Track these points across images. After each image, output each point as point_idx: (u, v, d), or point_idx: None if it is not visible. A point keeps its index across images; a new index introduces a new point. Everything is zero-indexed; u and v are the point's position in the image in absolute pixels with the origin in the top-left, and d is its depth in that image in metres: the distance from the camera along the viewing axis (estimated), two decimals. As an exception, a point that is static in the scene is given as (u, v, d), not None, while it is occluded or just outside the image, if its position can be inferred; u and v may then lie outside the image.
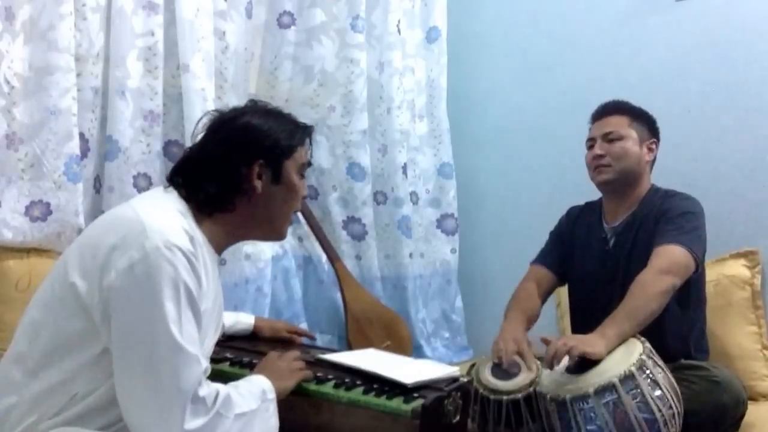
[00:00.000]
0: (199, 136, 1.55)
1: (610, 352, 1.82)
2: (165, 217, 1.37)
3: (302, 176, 1.59)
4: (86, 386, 1.32)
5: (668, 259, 1.98)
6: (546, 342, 1.89)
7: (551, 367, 1.83)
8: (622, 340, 1.86)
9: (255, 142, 1.50)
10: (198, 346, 1.32)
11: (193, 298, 1.32)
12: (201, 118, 1.57)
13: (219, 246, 1.52)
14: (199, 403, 1.29)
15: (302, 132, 1.58)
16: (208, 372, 1.36)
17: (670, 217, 2.07)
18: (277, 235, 1.63)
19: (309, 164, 1.63)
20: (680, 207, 2.10)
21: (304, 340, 2.04)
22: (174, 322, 1.27)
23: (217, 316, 1.56)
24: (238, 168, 1.48)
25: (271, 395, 1.47)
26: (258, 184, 1.49)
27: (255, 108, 1.58)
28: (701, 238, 2.06)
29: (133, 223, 1.33)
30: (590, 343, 1.82)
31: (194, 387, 1.28)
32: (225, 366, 1.72)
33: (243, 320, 1.98)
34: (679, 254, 1.98)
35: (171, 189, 1.50)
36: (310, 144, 1.61)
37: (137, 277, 1.27)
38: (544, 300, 2.29)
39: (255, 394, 1.44)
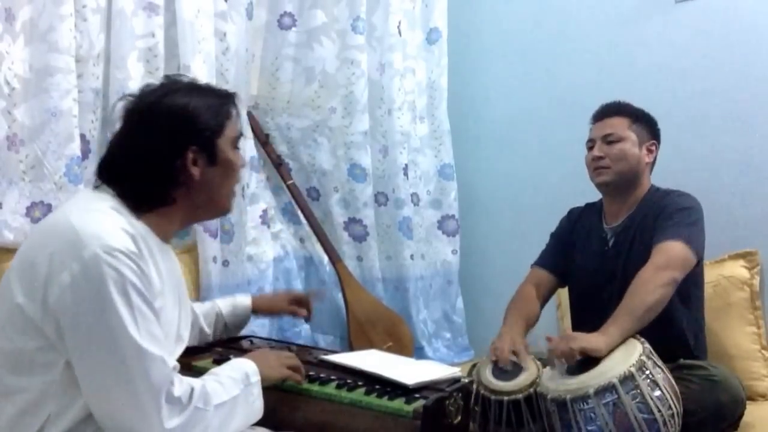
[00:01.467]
0: (118, 124, 1.45)
1: (611, 350, 1.82)
2: (99, 220, 1.30)
3: (237, 148, 1.52)
4: (58, 405, 1.27)
5: (667, 255, 1.98)
6: (549, 340, 1.90)
7: (553, 364, 1.84)
8: (624, 338, 1.86)
9: (183, 128, 1.42)
10: (161, 344, 1.29)
11: (146, 297, 1.28)
12: (115, 104, 1.48)
13: (166, 235, 1.47)
14: (174, 402, 1.27)
15: (228, 104, 1.50)
16: (177, 369, 1.33)
17: (668, 213, 2.08)
18: (223, 212, 1.57)
19: (242, 134, 1.56)
20: (677, 203, 2.11)
21: (304, 338, 2.03)
22: (132, 327, 1.24)
23: (182, 307, 1.52)
24: (172, 161, 1.40)
25: (255, 378, 1.45)
26: (195, 171, 1.42)
27: (174, 86, 1.47)
28: (700, 233, 2.07)
29: (66, 232, 1.27)
30: (591, 340, 1.83)
31: (166, 386, 1.26)
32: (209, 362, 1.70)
33: (240, 304, 1.93)
34: (678, 249, 1.99)
35: (103, 186, 1.42)
36: (238, 114, 1.54)
37: (82, 291, 1.23)
38: (544, 303, 2.30)
39: (236, 378, 1.42)
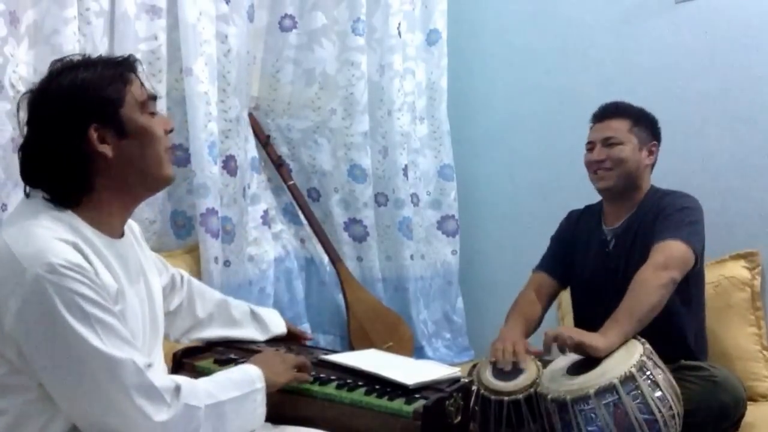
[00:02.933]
0: (25, 129, 1.35)
1: (612, 352, 1.82)
2: (35, 236, 1.23)
3: (151, 113, 1.40)
4: (40, 422, 1.26)
5: (666, 254, 1.98)
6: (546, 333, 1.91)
7: (548, 353, 1.85)
8: (624, 340, 1.86)
9: (76, 107, 1.31)
10: (130, 346, 1.26)
11: (101, 304, 1.23)
12: (18, 106, 1.37)
13: (114, 227, 1.39)
14: (156, 397, 1.24)
15: (122, 69, 1.38)
16: (158, 365, 1.31)
17: (668, 213, 2.08)
18: (161, 181, 1.45)
19: (153, 97, 1.43)
20: (677, 203, 2.11)
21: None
22: (93, 338, 1.20)
23: (150, 297, 1.48)
24: (74, 144, 1.30)
25: (260, 384, 1.42)
26: (106, 148, 1.32)
27: (60, 69, 1.35)
28: (699, 232, 2.07)
29: (5, 258, 1.21)
30: (590, 337, 1.84)
31: (143, 385, 1.23)
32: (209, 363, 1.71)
33: (275, 323, 1.93)
34: (677, 248, 1.99)
35: (34, 193, 1.34)
36: (139, 78, 1.41)
37: (33, 315, 1.19)
38: (546, 307, 2.30)
39: (237, 381, 1.40)
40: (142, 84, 1.41)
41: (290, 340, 1.95)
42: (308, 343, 2.05)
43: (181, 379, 1.32)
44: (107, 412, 1.23)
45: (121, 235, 1.43)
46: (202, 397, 1.31)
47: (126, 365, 1.23)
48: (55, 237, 1.24)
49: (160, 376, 1.29)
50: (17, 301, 1.19)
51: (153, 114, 1.41)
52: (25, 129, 1.35)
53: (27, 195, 1.35)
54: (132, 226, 1.53)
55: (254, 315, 1.91)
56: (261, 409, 1.43)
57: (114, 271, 1.34)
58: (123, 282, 1.36)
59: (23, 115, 1.35)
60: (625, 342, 1.86)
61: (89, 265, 1.25)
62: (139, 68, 1.43)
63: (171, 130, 1.47)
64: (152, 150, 1.39)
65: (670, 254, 1.98)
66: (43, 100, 1.33)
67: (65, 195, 1.32)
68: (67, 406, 1.25)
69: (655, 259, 1.98)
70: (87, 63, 1.37)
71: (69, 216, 1.31)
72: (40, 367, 1.22)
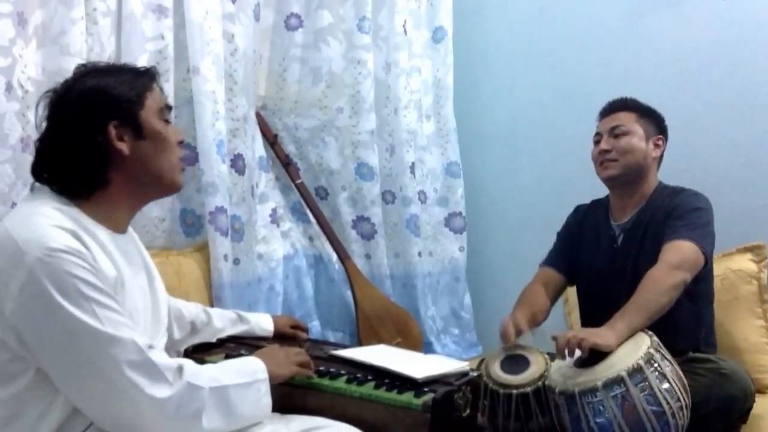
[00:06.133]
0: (43, 124, 1.42)
1: (620, 344, 1.83)
2: (36, 223, 1.28)
3: (167, 121, 1.48)
4: (39, 409, 1.28)
5: (679, 255, 1.98)
6: (555, 338, 1.90)
7: (564, 357, 1.85)
8: (633, 333, 1.87)
9: (99, 104, 1.38)
10: (130, 327, 1.28)
11: (99, 287, 1.26)
12: (37, 105, 1.44)
13: (119, 223, 1.44)
14: (156, 373, 1.27)
15: (144, 77, 1.47)
16: (155, 348, 1.32)
17: (680, 213, 2.08)
18: (172, 188, 1.51)
19: (169, 108, 1.51)
20: (690, 203, 2.11)
21: (315, 334, 2.05)
22: (92, 319, 1.23)
23: (154, 294, 1.52)
24: (93, 138, 1.37)
25: (263, 375, 1.44)
26: (123, 146, 1.39)
27: (85, 71, 1.44)
28: (711, 234, 2.07)
29: (6, 243, 1.25)
30: (601, 335, 1.84)
31: (143, 363, 1.25)
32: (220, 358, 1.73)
33: (265, 328, 1.98)
34: (689, 250, 1.99)
35: (41, 187, 1.40)
36: (160, 88, 1.50)
37: (33, 297, 1.22)
38: (553, 301, 2.31)
39: (241, 370, 1.43)
40: (161, 93, 1.50)
41: (288, 339, 1.97)
42: (317, 338, 2.07)
43: (184, 360, 1.35)
44: (109, 392, 1.25)
45: (124, 232, 1.48)
46: (206, 379, 1.34)
47: (125, 343, 1.25)
48: (54, 224, 1.28)
49: (163, 355, 1.32)
50: (17, 284, 1.22)
51: (168, 122, 1.49)
52: (44, 125, 1.41)
53: (32, 190, 1.42)
54: (135, 237, 1.57)
55: (240, 321, 1.94)
56: (266, 399, 1.44)
57: (114, 260, 1.37)
58: (123, 272, 1.39)
59: (42, 112, 1.41)
60: (632, 334, 1.86)
61: (87, 251, 1.29)
62: (159, 79, 1.51)
63: (182, 142, 1.54)
64: (166, 155, 1.46)
65: (682, 255, 1.98)
66: (67, 97, 1.39)
67: (78, 187, 1.38)
68: (70, 389, 1.27)
69: (669, 257, 1.98)
70: (112, 68, 1.47)
71: (72, 209, 1.36)
72: (40, 349, 1.25)
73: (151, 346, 1.30)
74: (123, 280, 1.38)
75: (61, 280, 1.23)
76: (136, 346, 1.27)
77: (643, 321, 1.89)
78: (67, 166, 1.37)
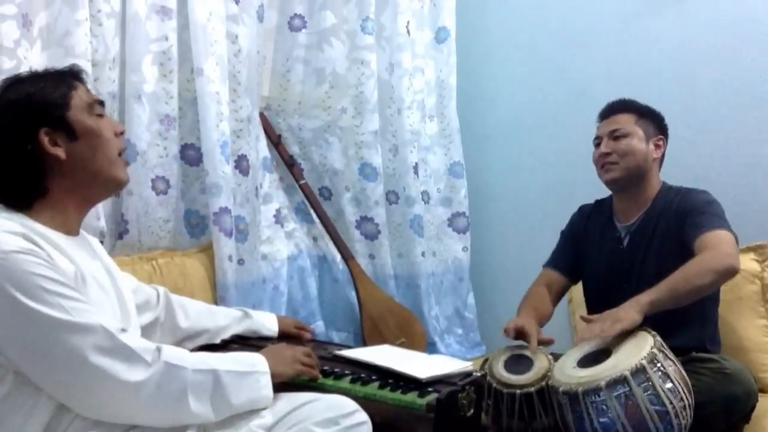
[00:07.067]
0: None
1: (622, 344, 1.84)
2: None
3: (100, 116, 1.47)
4: (24, 410, 1.29)
5: (727, 242, 1.97)
6: (586, 320, 1.94)
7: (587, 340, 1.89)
8: (656, 310, 1.86)
9: (25, 113, 1.38)
10: (95, 313, 1.29)
11: (59, 280, 1.27)
12: None
13: (69, 227, 1.44)
14: (133, 356, 1.27)
15: (66, 76, 1.46)
16: (128, 332, 1.32)
17: (699, 208, 2.08)
18: (113, 183, 1.50)
19: (100, 102, 1.50)
20: (703, 198, 2.12)
21: (319, 335, 2.06)
22: (56, 312, 1.24)
23: (118, 294, 1.52)
24: (24, 148, 1.37)
25: (263, 368, 1.44)
26: (58, 150, 1.39)
27: (8, 84, 1.43)
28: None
29: None
30: (623, 317, 1.84)
31: (117, 347, 1.26)
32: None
33: (267, 326, 1.98)
34: (729, 237, 1.99)
35: None
36: (84, 84, 1.49)
37: None
38: (555, 302, 2.31)
39: (238, 360, 1.43)
40: (86, 90, 1.49)
41: (293, 339, 1.98)
42: (322, 338, 2.07)
43: (166, 345, 1.35)
44: (87, 382, 1.26)
45: (77, 234, 1.48)
46: (189, 361, 1.34)
47: (94, 329, 1.26)
48: (3, 230, 1.29)
49: (137, 338, 1.32)
50: None
51: (100, 116, 1.47)
52: None
53: None
54: (90, 239, 1.57)
55: (245, 319, 1.94)
56: (265, 392, 1.43)
57: (71, 257, 1.37)
58: (82, 267, 1.39)
59: None
60: (635, 334, 1.86)
61: (41, 250, 1.30)
62: (84, 77, 1.51)
63: (122, 133, 1.54)
64: (103, 151, 1.45)
65: (730, 242, 1.98)
66: None
67: (18, 197, 1.39)
68: (50, 386, 1.28)
69: (717, 245, 1.95)
70: (33, 76, 1.46)
71: (19, 216, 1.37)
72: (13, 352, 1.26)
73: (123, 330, 1.31)
74: (83, 274, 1.38)
75: (21, 279, 1.24)
76: (107, 331, 1.27)
77: (668, 300, 1.88)
78: (4, 177, 1.38)
